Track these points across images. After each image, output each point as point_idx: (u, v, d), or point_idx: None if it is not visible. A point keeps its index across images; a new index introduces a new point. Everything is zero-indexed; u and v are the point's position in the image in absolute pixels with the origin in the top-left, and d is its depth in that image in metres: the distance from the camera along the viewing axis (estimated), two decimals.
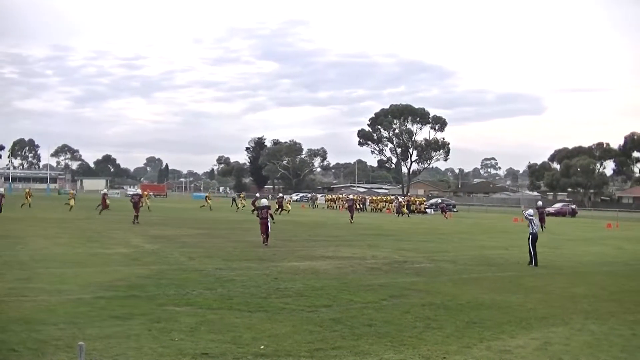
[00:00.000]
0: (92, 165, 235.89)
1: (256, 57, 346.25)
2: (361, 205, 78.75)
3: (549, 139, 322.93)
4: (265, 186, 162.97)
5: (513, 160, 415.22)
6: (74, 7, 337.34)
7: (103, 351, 9.47)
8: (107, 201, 49.36)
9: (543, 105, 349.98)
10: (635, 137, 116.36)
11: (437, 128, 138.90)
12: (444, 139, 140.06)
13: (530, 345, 10.81)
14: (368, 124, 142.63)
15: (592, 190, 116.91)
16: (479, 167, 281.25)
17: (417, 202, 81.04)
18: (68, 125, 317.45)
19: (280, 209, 60.17)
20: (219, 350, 9.76)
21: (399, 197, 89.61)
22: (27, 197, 55.31)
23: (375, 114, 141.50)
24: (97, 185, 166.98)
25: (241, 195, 77.52)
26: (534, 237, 23.23)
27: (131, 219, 39.10)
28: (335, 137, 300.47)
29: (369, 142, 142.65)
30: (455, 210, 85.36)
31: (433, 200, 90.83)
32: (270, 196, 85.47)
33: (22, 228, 32.57)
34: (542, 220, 47.90)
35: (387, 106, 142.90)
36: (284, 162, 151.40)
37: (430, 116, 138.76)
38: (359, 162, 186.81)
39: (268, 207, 28.31)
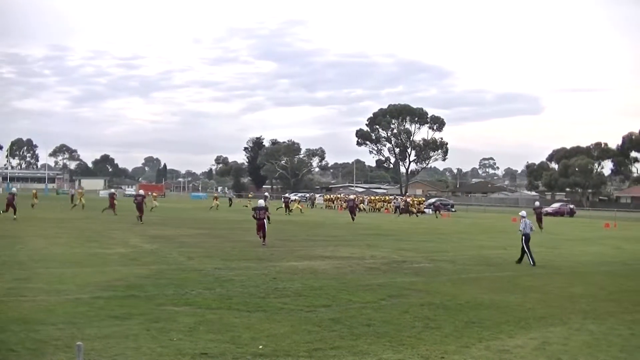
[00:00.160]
0: (90, 165, 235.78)
1: (255, 57, 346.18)
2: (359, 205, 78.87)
3: (547, 138, 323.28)
4: (264, 186, 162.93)
5: (511, 160, 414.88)
6: (72, 7, 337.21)
7: (102, 351, 9.47)
8: (115, 201, 49.33)
9: (541, 105, 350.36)
10: (633, 137, 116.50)
11: (435, 128, 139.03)
12: (442, 138, 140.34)
13: (529, 345, 10.81)
14: (366, 124, 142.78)
15: (590, 190, 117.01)
16: (477, 167, 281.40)
17: (416, 202, 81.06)
18: (66, 125, 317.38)
19: (288, 209, 60.32)
20: (218, 350, 9.77)
21: (397, 197, 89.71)
22: (34, 197, 55.53)
23: (374, 113, 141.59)
24: (95, 185, 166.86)
25: (249, 195, 77.38)
26: (527, 238, 23.43)
27: (127, 219, 39.05)
28: (333, 137, 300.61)
29: (367, 142, 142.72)
30: (453, 210, 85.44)
31: (431, 200, 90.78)
32: (269, 196, 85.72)
33: (21, 228, 32.56)
34: (539, 220, 48.02)
35: (385, 106, 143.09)
36: (283, 162, 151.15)
37: (428, 116, 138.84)
38: (357, 162, 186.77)
39: (265, 208, 28.68)
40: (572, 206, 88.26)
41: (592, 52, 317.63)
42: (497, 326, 12.17)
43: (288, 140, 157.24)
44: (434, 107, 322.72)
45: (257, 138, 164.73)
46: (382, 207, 78.75)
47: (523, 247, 23.37)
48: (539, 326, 12.34)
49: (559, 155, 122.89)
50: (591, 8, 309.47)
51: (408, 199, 77.11)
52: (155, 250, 24.27)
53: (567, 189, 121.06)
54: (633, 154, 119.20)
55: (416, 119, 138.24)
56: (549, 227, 49.41)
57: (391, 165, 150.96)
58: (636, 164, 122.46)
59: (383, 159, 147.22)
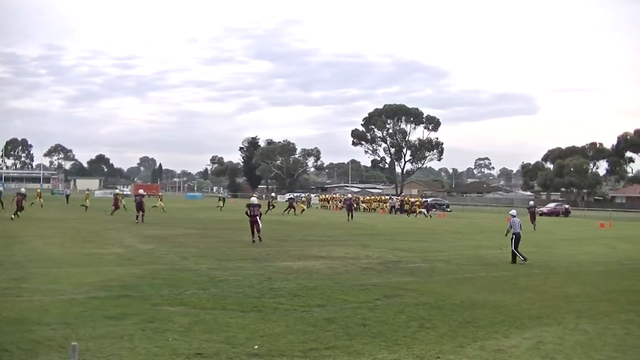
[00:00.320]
0: (85, 165, 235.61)
1: (250, 57, 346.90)
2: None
3: (542, 138, 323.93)
4: (259, 186, 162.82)
5: (506, 160, 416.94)
6: (67, 7, 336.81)
7: (96, 351, 9.45)
8: (122, 202, 49.26)
9: (537, 105, 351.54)
10: (628, 137, 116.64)
11: (430, 128, 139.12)
12: (437, 138, 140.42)
13: (524, 344, 10.82)
14: (362, 124, 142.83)
15: (585, 190, 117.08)
16: (473, 167, 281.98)
17: (411, 202, 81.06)
18: (61, 124, 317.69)
19: (293, 210, 60.31)
20: (213, 350, 9.76)
21: (393, 196, 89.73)
22: (38, 198, 55.52)
23: (369, 113, 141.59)
24: (90, 185, 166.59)
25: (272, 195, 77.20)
26: (517, 237, 23.63)
27: (122, 218, 38.99)
28: (329, 137, 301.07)
29: (363, 142, 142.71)
30: (449, 210, 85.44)
31: (428, 200, 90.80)
32: (263, 196, 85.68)
33: (17, 228, 32.51)
34: (532, 219, 48.28)
35: (381, 106, 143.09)
36: (278, 162, 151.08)
37: (424, 116, 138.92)
38: (353, 162, 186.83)
39: (258, 206, 29.31)
40: (567, 206, 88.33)
41: (588, 53, 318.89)
42: (492, 326, 12.17)
43: (283, 140, 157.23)
44: (429, 107, 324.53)
45: (252, 138, 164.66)
46: (377, 207, 78.71)
47: (516, 246, 23.54)
48: (533, 326, 12.35)
49: (554, 155, 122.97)
50: (587, 8, 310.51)
51: (413, 199, 77.16)
52: (151, 250, 24.25)
53: (562, 189, 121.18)
54: (628, 154, 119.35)
55: (412, 119, 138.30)
56: (545, 227, 49.53)
57: (386, 165, 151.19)
58: (631, 164, 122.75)
59: (378, 159, 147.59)
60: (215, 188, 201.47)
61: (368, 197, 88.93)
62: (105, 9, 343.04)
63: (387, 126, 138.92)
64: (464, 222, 57.39)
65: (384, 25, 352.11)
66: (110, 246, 25.22)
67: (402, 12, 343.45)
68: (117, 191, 50.78)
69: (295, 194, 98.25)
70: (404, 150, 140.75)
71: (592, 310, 14.22)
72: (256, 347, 10.04)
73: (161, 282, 16.22)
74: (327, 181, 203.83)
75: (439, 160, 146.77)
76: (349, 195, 73.65)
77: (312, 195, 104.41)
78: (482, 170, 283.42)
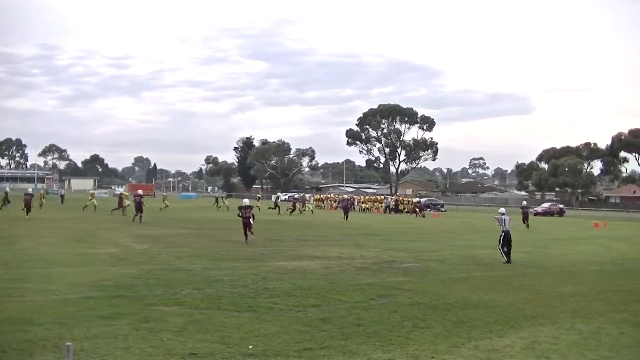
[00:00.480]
0: (80, 165, 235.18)
1: (244, 57, 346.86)
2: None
3: (537, 138, 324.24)
4: (254, 186, 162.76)
5: (501, 160, 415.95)
6: (61, 6, 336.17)
7: (91, 351, 9.43)
8: (126, 202, 49.27)
9: (531, 105, 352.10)
10: (623, 137, 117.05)
11: (425, 128, 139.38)
12: (432, 138, 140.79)
13: (518, 344, 10.83)
14: (356, 124, 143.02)
15: (579, 190, 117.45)
16: (467, 166, 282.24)
17: (405, 201, 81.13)
18: (56, 124, 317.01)
19: (293, 210, 60.38)
20: (208, 350, 9.74)
21: (387, 196, 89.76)
22: (42, 198, 55.61)
23: (364, 113, 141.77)
24: (85, 185, 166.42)
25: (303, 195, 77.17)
26: (507, 235, 23.75)
27: (118, 218, 38.93)
28: (323, 136, 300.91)
29: (357, 142, 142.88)
30: (443, 210, 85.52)
31: (415, 200, 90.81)
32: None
33: (10, 228, 32.44)
34: (525, 218, 48.50)
35: (375, 106, 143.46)
36: (272, 161, 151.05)
37: (418, 116, 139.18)
38: (347, 161, 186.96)
39: (250, 207, 29.79)
40: (561, 206, 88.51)
41: (582, 53, 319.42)
42: (487, 326, 12.18)
43: (278, 140, 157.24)
44: (423, 107, 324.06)
45: (247, 138, 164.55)
46: (372, 207, 78.72)
47: (508, 245, 23.74)
48: (528, 326, 12.36)
49: (548, 155, 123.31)
50: (582, 8, 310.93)
51: (415, 199, 77.33)
52: (145, 250, 24.21)
53: (557, 189, 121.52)
54: (622, 154, 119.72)
55: (406, 118, 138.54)
56: (539, 227, 49.66)
57: (381, 165, 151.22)
58: (625, 164, 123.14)
59: (373, 158, 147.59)
60: (210, 188, 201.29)
61: (363, 197, 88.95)
62: (100, 9, 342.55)
63: (382, 126, 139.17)
64: (459, 222, 57.44)
65: (378, 25, 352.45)
66: (104, 246, 25.17)
67: (396, 12, 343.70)
68: (121, 191, 50.52)
69: (287, 194, 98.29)
70: (399, 150, 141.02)
71: (586, 310, 14.24)
72: (251, 347, 10.03)
73: (155, 282, 16.20)
74: (322, 181, 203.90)
75: (434, 160, 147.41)
76: (346, 196, 73.70)
77: (307, 195, 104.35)
78: (477, 170, 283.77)
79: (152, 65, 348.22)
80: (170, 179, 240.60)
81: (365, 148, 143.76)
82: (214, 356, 9.50)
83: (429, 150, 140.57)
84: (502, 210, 25.11)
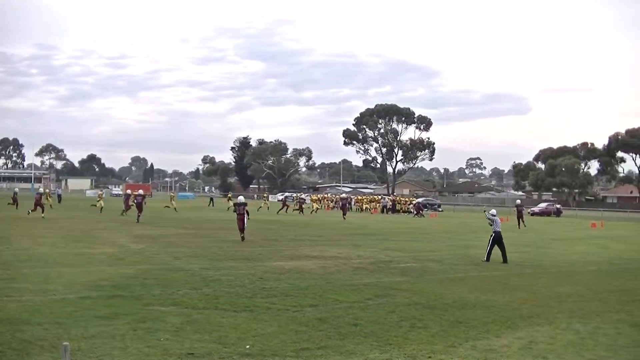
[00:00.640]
0: (77, 164, 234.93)
1: (242, 57, 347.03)
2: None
3: (534, 138, 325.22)
4: (251, 186, 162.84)
5: (498, 160, 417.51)
6: (58, 6, 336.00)
7: (88, 351, 9.42)
8: (130, 202, 49.44)
9: (528, 105, 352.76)
10: (620, 137, 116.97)
11: (422, 128, 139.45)
12: (429, 138, 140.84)
13: (516, 344, 10.84)
14: (353, 124, 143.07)
15: (576, 190, 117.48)
16: (464, 166, 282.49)
17: (403, 201, 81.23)
18: (53, 124, 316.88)
19: (301, 209, 60.55)
20: (205, 350, 9.74)
21: (385, 196, 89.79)
22: (47, 198, 55.81)
23: (361, 113, 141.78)
24: (82, 185, 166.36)
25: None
26: (497, 236, 23.91)
27: (114, 218, 38.90)
28: (320, 136, 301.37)
29: (355, 142, 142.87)
30: (440, 210, 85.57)
31: (415, 200, 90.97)
32: (255, 195, 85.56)
33: (7, 227, 32.39)
34: (520, 217, 48.75)
35: (372, 106, 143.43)
36: (269, 161, 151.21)
37: (415, 116, 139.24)
38: (344, 161, 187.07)
39: (245, 204, 30.06)
40: (558, 206, 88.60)
41: (580, 53, 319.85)
42: (484, 326, 12.19)
43: (275, 140, 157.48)
44: (421, 107, 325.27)
45: (244, 138, 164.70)
46: (369, 207, 78.72)
47: (499, 245, 23.91)
48: (525, 325, 12.37)
49: (545, 155, 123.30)
50: (579, 8, 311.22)
51: (417, 200, 77.44)
52: (142, 250, 24.19)
53: (554, 189, 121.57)
54: (619, 154, 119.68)
55: (403, 118, 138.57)
56: (536, 227, 49.74)
57: (378, 165, 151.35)
58: (622, 164, 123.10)
59: (370, 158, 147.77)
60: (207, 188, 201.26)
61: (360, 197, 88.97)
62: (97, 9, 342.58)
63: (379, 126, 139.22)
64: (456, 222, 57.50)
65: (376, 25, 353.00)
66: (101, 246, 25.14)
67: (393, 12, 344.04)
68: (128, 191, 50.33)
69: (284, 194, 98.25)
70: (396, 150, 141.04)
71: (583, 310, 14.26)
72: (248, 346, 10.03)
73: (153, 282, 16.18)
74: (319, 181, 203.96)
75: (431, 160, 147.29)
76: (344, 195, 73.66)
77: (305, 195, 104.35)
78: (474, 170, 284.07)
79: (149, 65, 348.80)
80: (167, 179, 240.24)
81: (363, 148, 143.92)
82: (211, 356, 9.50)
83: (426, 150, 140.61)
84: (493, 211, 25.22)
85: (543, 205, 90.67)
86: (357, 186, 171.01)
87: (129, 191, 49.17)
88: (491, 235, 24.05)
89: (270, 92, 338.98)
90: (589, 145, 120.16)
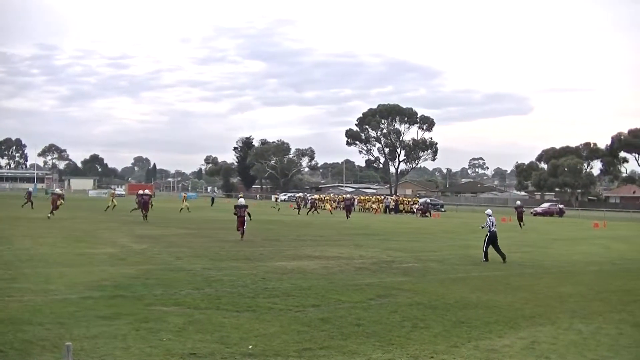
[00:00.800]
0: (79, 164, 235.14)
1: (243, 57, 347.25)
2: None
3: (536, 138, 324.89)
4: (253, 186, 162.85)
5: (501, 160, 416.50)
6: (60, 6, 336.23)
7: (90, 351, 9.42)
8: (151, 202, 49.74)
9: (530, 105, 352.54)
10: (622, 137, 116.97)
11: (424, 128, 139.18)
12: (431, 138, 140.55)
13: (518, 344, 10.83)
14: (356, 124, 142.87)
15: (579, 190, 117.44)
16: (467, 167, 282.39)
17: (405, 201, 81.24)
18: (55, 124, 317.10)
19: (313, 210, 60.63)
20: (207, 350, 9.74)
21: (387, 196, 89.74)
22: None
23: (363, 113, 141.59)
24: (84, 185, 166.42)
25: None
26: (492, 235, 24.02)
27: (116, 218, 38.93)
28: (322, 137, 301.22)
29: (357, 142, 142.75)
30: (443, 210, 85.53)
31: (422, 200, 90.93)
32: (258, 196, 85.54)
33: (8, 227, 32.41)
34: (520, 218, 48.84)
35: (374, 106, 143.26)
36: (272, 162, 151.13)
37: (417, 116, 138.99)
38: (347, 162, 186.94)
39: (245, 207, 30.40)
40: (561, 206, 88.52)
41: (581, 52, 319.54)
42: (486, 326, 12.18)
43: (277, 140, 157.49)
44: (423, 107, 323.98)
45: (246, 138, 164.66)
46: (372, 207, 78.72)
47: (488, 243, 24.06)
48: (527, 326, 12.36)
49: (548, 155, 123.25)
50: (580, 8, 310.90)
51: (422, 200, 77.54)
52: (144, 250, 24.20)
53: (557, 189, 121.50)
54: (622, 154, 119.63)
55: (405, 119, 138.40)
56: (539, 227, 49.68)
57: (381, 165, 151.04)
58: (625, 164, 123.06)
59: (372, 159, 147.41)
60: (209, 188, 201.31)
61: (362, 197, 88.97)
62: (98, 9, 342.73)
63: (381, 126, 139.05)
64: (458, 222, 57.44)
65: (377, 25, 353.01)
66: (103, 246, 25.15)
67: (394, 12, 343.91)
68: (140, 192, 50.28)
69: (287, 194, 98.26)
70: (398, 150, 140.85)
71: (585, 310, 14.24)
72: (250, 347, 10.03)
73: (155, 282, 16.19)
74: (322, 181, 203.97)
75: (433, 160, 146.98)
76: (348, 196, 73.70)
77: (308, 195, 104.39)
78: (476, 170, 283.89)
79: (150, 65, 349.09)
80: (169, 179, 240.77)
81: (365, 148, 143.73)
82: (213, 356, 9.49)
83: (429, 151, 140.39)
84: (489, 211, 25.36)
85: (546, 205, 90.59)
86: (360, 186, 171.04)
87: (141, 191, 49.45)
88: (486, 235, 24.13)
89: (271, 92, 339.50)
90: (592, 145, 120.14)
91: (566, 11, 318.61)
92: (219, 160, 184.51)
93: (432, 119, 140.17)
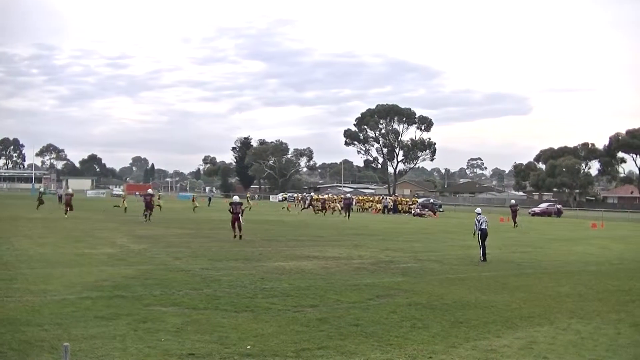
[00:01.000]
0: (77, 164, 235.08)
1: (243, 57, 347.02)
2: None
3: (534, 139, 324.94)
4: (252, 186, 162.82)
5: (499, 161, 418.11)
6: (59, 6, 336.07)
7: (88, 352, 9.42)
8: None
9: (529, 106, 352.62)
10: (620, 137, 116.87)
11: (423, 128, 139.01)
12: (430, 139, 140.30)
13: (516, 344, 10.84)
14: (354, 124, 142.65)
15: (577, 190, 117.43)
16: (465, 167, 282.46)
17: (404, 202, 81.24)
18: (53, 124, 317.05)
19: (324, 210, 60.75)
20: (206, 351, 9.74)
21: (386, 196, 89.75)
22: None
23: (362, 114, 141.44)
24: (82, 185, 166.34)
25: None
26: (483, 233, 24.27)
27: (113, 218, 38.92)
28: (321, 137, 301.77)
29: (355, 142, 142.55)
30: (441, 210, 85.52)
31: (420, 200, 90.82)
32: (256, 195, 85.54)
33: (7, 228, 32.38)
34: (514, 218, 49.39)
35: (373, 106, 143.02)
36: (270, 162, 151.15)
37: (416, 116, 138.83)
38: (345, 162, 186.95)
39: (240, 204, 31.31)
40: (559, 206, 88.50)
41: (580, 53, 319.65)
42: (484, 326, 12.19)
43: (276, 140, 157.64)
44: (422, 107, 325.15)
45: (245, 138, 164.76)
46: (369, 207, 78.75)
47: (483, 241, 24.23)
48: (525, 326, 12.38)
49: (546, 155, 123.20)
50: (580, 8, 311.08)
51: (419, 200, 77.72)
52: (143, 250, 24.19)
53: (555, 189, 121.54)
54: (620, 154, 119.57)
55: (404, 119, 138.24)
56: (536, 227, 49.72)
57: (379, 166, 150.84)
58: (623, 165, 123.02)
59: (371, 159, 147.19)
60: (207, 188, 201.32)
61: (361, 197, 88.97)
62: (98, 8, 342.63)
63: (380, 126, 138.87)
64: (456, 222, 57.45)
65: (377, 25, 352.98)
66: (102, 246, 25.14)
67: (394, 12, 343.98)
68: (150, 191, 49.57)
69: (286, 194, 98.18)
70: (397, 151, 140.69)
71: (583, 310, 14.26)
72: (249, 347, 10.03)
73: (153, 283, 16.18)
74: (320, 181, 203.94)
75: (432, 160, 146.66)
76: (348, 195, 73.74)
77: (308, 196, 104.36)
78: (475, 170, 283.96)
79: (150, 65, 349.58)
80: (168, 179, 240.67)
81: (363, 148, 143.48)
82: (212, 356, 9.50)
83: (427, 151, 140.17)
84: (478, 210, 25.59)
85: (544, 205, 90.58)
86: (358, 186, 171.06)
87: (149, 190, 49.73)
88: (478, 234, 24.37)
89: (271, 92, 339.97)
90: (590, 145, 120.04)
91: (565, 11, 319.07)
92: (218, 160, 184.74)
93: (431, 119, 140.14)
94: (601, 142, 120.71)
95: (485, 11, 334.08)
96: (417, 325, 12.06)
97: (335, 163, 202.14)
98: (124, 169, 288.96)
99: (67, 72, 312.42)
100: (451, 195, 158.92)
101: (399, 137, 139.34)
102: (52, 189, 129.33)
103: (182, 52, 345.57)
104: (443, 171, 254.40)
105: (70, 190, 49.27)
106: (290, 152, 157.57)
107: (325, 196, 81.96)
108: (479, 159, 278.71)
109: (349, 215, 55.36)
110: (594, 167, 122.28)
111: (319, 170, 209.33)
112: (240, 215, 30.68)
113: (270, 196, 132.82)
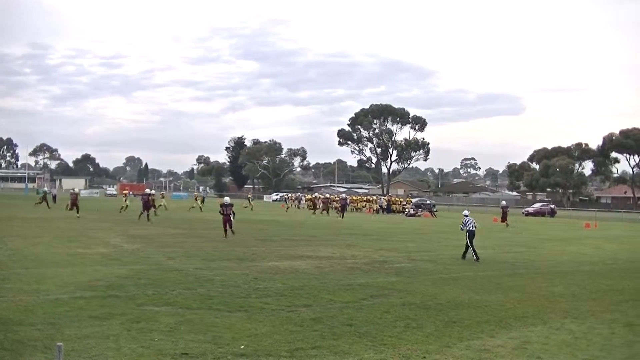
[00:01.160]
0: (71, 164, 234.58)
1: (236, 57, 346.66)
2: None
3: (528, 139, 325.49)
4: (245, 186, 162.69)
5: (492, 160, 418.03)
6: (52, 5, 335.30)
7: (82, 352, 9.40)
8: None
9: (523, 105, 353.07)
10: (614, 137, 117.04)
11: (417, 128, 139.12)
12: (423, 139, 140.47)
13: (509, 344, 10.85)
14: (348, 124, 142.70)
15: (570, 190, 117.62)
16: (459, 167, 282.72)
17: (398, 202, 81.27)
18: (47, 124, 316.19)
19: (326, 210, 60.71)
20: (199, 350, 9.73)
21: (380, 196, 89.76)
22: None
23: (355, 113, 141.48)
24: (76, 184, 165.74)
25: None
26: (471, 234, 24.46)
27: (110, 218, 38.85)
28: (315, 136, 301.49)
29: (349, 142, 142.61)
30: (435, 210, 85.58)
31: (414, 200, 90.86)
32: (251, 195, 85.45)
33: (4, 227, 32.27)
34: (504, 218, 49.81)
35: (367, 106, 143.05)
36: (264, 161, 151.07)
37: (410, 116, 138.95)
38: (339, 162, 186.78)
39: (230, 205, 31.66)
40: (553, 206, 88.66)
41: (574, 53, 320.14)
42: (478, 326, 12.21)
43: (270, 140, 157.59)
44: (415, 107, 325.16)
45: (238, 138, 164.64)
46: (363, 207, 78.76)
47: (467, 243, 24.41)
48: (519, 326, 12.39)
49: (539, 155, 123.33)
50: (574, 8, 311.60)
51: (414, 200, 77.84)
52: (136, 250, 24.15)
53: (548, 189, 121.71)
54: (613, 154, 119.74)
55: (398, 119, 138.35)
56: (530, 227, 49.79)
57: (373, 166, 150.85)
58: (616, 165, 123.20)
59: (365, 159, 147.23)
60: (201, 188, 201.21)
61: (354, 197, 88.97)
62: (92, 8, 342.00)
63: (374, 126, 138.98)
64: (450, 222, 57.46)
65: (370, 25, 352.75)
66: (95, 246, 25.08)
67: (388, 12, 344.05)
68: (151, 191, 49.73)
69: (279, 194, 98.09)
70: (390, 150, 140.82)
71: (577, 310, 14.29)
72: (242, 346, 10.02)
73: (147, 282, 16.16)
74: (314, 181, 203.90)
75: (425, 160, 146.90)
76: (343, 195, 73.73)
77: (301, 196, 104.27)
78: (468, 170, 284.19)
79: (143, 64, 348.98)
80: (161, 179, 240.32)
81: (357, 148, 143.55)
82: (205, 356, 9.49)
83: (421, 151, 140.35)
84: (466, 212, 25.75)
85: (537, 205, 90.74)
86: (352, 186, 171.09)
87: (147, 190, 50.00)
88: (466, 235, 24.55)
89: (264, 92, 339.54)
90: (583, 145, 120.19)
91: (559, 11, 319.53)
92: (211, 160, 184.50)
93: (424, 119, 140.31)
94: (595, 142, 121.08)
95: (479, 11, 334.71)
96: (410, 325, 12.06)
97: (329, 163, 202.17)
98: (118, 169, 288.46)
99: (61, 72, 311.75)
100: (445, 195, 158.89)
101: (393, 137, 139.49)
102: (46, 189, 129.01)
103: (175, 51, 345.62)
104: (437, 171, 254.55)
105: (76, 190, 49.57)
106: (284, 151, 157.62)
107: (328, 195, 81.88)
108: (473, 159, 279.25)
109: (343, 215, 55.30)
110: (588, 167, 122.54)
111: (313, 170, 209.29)
112: (231, 216, 31.26)
113: (264, 196, 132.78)
